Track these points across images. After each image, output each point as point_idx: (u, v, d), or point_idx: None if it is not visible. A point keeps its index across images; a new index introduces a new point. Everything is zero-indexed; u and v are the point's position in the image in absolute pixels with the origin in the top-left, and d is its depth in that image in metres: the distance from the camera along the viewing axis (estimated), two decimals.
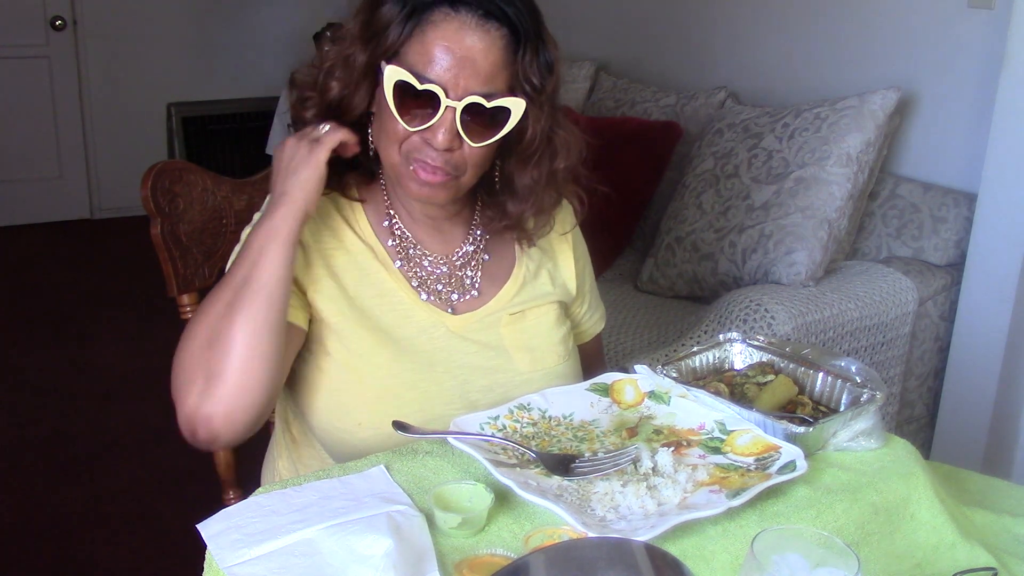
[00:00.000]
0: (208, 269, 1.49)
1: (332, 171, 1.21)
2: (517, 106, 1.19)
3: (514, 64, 1.19)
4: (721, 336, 1.33)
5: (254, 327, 1.10)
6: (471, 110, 1.16)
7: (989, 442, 2.36)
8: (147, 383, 3.33)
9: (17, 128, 4.84)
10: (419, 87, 1.15)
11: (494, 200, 1.32)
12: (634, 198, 2.96)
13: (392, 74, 1.15)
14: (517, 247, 1.37)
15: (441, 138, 1.15)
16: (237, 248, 1.26)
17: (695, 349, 1.30)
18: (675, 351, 2.07)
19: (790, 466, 1.05)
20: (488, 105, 1.16)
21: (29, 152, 4.91)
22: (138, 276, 4.07)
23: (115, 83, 5.04)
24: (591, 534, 0.92)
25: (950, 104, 2.56)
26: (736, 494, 0.99)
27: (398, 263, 1.29)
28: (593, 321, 1.50)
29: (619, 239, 3.00)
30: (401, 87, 1.15)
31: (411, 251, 1.30)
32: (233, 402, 1.09)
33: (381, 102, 1.20)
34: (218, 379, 1.09)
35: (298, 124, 1.27)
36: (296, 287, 1.21)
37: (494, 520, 0.98)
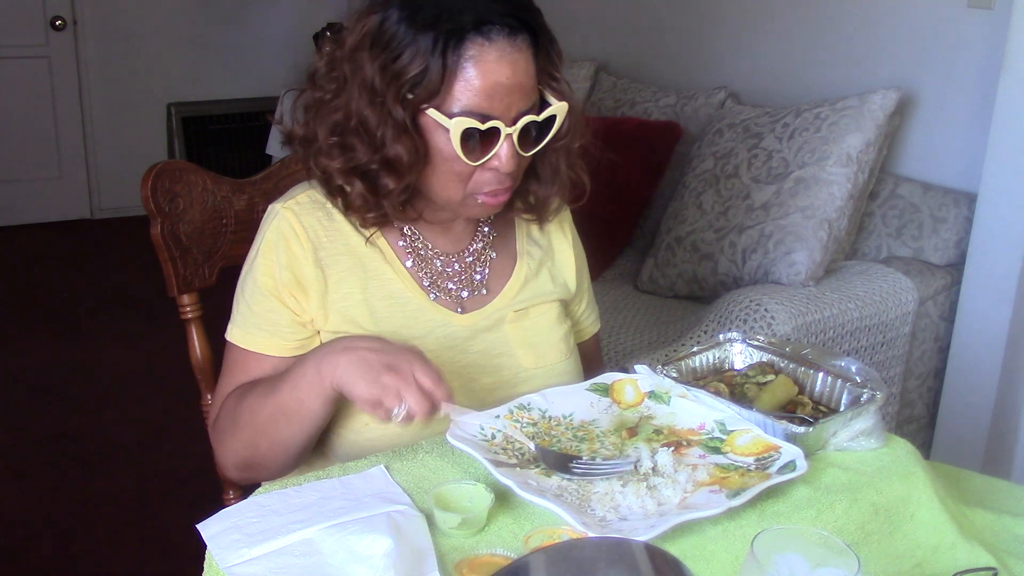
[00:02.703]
0: (208, 269, 1.49)
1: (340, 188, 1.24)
2: (561, 109, 1.21)
3: (537, 64, 1.20)
4: (721, 336, 1.33)
5: (293, 448, 1.19)
6: (524, 127, 1.18)
7: (989, 442, 2.36)
8: (147, 383, 3.34)
9: (17, 128, 4.84)
10: (483, 127, 1.14)
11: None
12: (634, 198, 2.96)
13: (458, 125, 1.13)
14: (518, 246, 1.38)
15: (507, 162, 1.17)
16: (245, 294, 1.26)
17: (695, 349, 1.29)
18: (675, 351, 2.07)
19: (790, 466, 1.05)
20: (540, 119, 1.19)
21: (29, 152, 4.90)
22: (138, 276, 4.07)
23: (115, 83, 5.04)
24: (591, 534, 0.92)
25: (950, 104, 2.56)
26: (736, 494, 0.99)
27: (408, 263, 1.29)
28: (590, 321, 1.50)
29: (619, 239, 3.00)
30: (466, 134, 1.15)
31: (422, 251, 1.31)
32: (274, 476, 1.23)
33: (439, 149, 1.17)
34: (256, 470, 1.23)
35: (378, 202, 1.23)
36: (305, 327, 1.25)
37: (494, 520, 0.98)
